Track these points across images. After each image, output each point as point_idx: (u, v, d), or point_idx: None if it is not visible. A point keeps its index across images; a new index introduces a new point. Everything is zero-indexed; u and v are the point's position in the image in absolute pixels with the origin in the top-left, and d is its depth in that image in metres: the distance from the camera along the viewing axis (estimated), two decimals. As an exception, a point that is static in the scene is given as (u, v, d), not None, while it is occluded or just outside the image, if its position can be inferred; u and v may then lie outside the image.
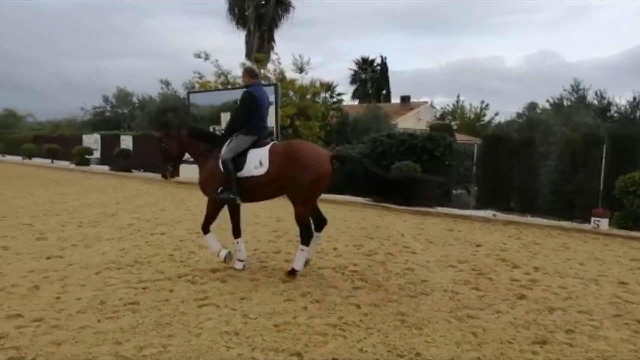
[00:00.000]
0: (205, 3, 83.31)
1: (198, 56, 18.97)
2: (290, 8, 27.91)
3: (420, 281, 5.30)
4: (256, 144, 5.38)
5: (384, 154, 12.08)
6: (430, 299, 4.72)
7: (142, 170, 20.10)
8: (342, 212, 10.41)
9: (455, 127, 29.60)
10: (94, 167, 22.36)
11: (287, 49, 29.32)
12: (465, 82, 72.51)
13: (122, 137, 22.31)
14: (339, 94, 21.20)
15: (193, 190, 12.46)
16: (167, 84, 33.07)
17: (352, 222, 9.03)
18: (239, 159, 5.30)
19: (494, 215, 9.87)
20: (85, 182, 16.36)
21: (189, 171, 10.95)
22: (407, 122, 29.36)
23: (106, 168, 21.14)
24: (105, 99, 38.79)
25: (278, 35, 28.45)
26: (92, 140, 25.22)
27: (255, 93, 5.47)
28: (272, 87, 14.92)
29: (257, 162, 5.23)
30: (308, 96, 18.84)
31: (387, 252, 6.63)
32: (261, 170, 5.19)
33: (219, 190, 5.33)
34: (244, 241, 5.84)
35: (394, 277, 5.43)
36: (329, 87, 20.16)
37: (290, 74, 19.32)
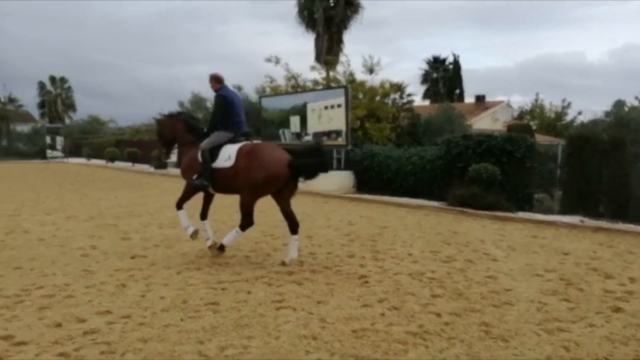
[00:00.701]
0: (274, 8, 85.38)
1: (269, 60, 19.35)
2: (360, 9, 27.72)
3: (503, 290, 5.02)
4: (232, 141, 6.08)
5: (460, 156, 11.67)
6: (516, 310, 4.45)
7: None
8: (415, 216, 10.17)
9: (534, 127, 28.14)
10: (171, 170, 23.36)
11: (356, 50, 29.29)
12: (543, 79, 69.28)
13: None
14: (409, 95, 20.59)
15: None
16: (239, 88, 33.91)
17: (427, 227, 8.79)
18: (215, 151, 6.00)
19: (582, 221, 9.23)
20: (164, 185, 17.13)
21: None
22: (482, 123, 28.43)
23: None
24: (181, 104, 40.44)
25: (347, 36, 28.29)
26: (170, 145, 26.37)
27: (226, 94, 6.20)
28: (343, 89, 14.92)
29: (227, 155, 5.91)
30: (377, 97, 18.61)
31: (467, 259, 6.36)
32: (229, 163, 5.86)
33: (195, 176, 6.07)
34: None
35: (475, 286, 5.18)
36: (399, 87, 19.69)
37: (359, 76, 19.20)
